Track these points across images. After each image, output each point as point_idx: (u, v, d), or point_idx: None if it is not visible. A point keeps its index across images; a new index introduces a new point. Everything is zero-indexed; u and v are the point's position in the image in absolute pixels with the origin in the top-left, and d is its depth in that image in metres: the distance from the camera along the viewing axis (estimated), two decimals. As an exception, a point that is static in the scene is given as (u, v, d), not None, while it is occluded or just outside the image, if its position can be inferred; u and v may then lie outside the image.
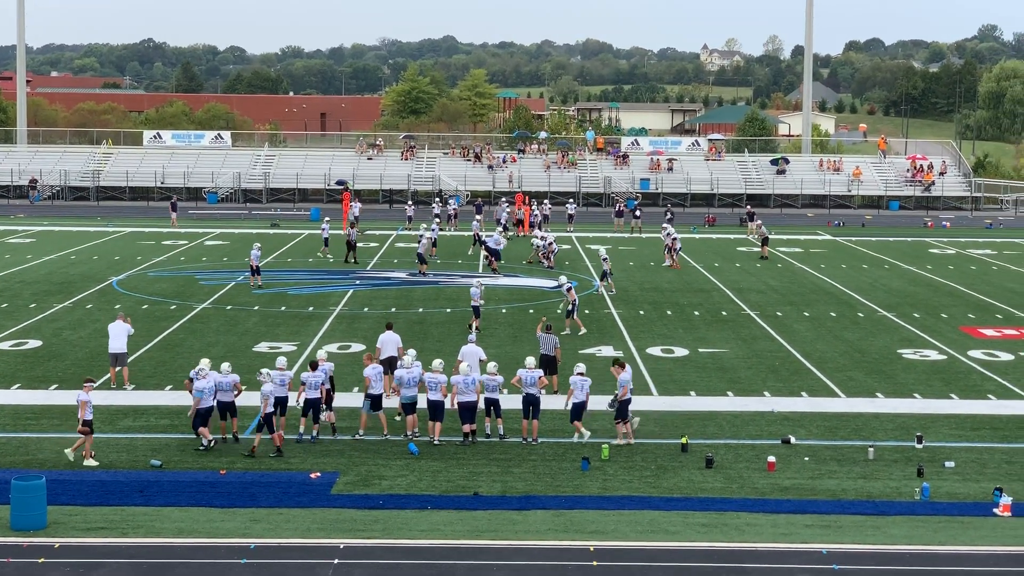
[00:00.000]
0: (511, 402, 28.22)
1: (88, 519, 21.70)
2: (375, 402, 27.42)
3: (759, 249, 61.11)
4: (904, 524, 22.02)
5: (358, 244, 57.67)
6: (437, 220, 65.64)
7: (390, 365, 30.15)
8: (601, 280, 43.75)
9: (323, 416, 27.10)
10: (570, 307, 39.50)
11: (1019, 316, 44.25)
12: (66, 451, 25.26)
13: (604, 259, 48.15)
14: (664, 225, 60.92)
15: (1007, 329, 41.64)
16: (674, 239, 56.77)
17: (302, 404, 26.90)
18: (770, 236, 61.91)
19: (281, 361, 27.21)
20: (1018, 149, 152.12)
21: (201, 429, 26.01)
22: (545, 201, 76.73)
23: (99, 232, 68.07)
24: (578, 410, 27.06)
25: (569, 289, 40.01)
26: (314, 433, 26.90)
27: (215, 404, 26.43)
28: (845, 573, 19.64)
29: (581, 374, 27.30)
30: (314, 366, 27.43)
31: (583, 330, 39.34)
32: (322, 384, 26.91)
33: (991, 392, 32.42)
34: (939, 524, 22.05)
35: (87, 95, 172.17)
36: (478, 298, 39.42)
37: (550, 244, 55.86)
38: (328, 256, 58.08)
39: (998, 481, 24.38)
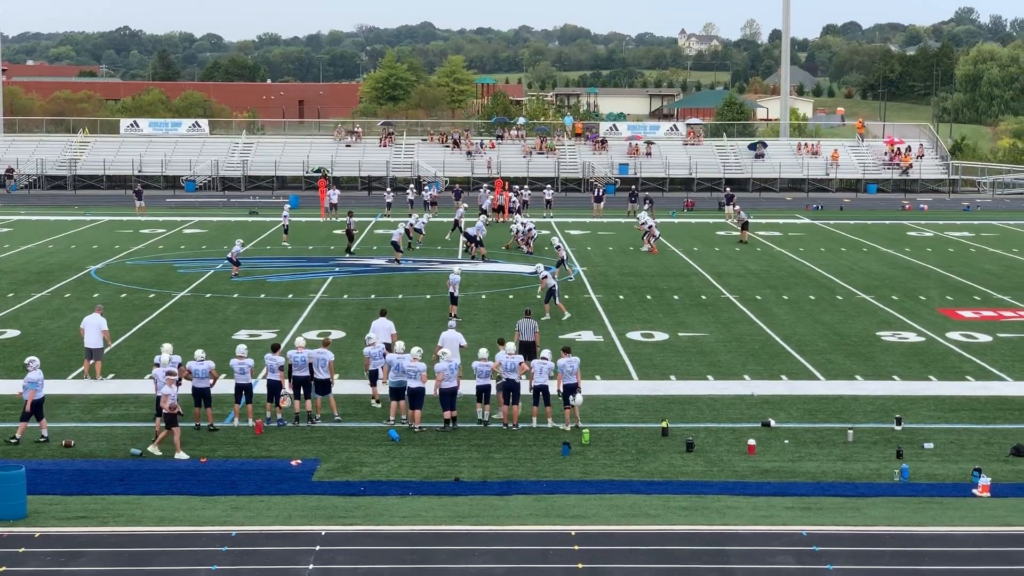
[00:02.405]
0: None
1: (68, 508, 21.64)
2: (319, 386, 27.44)
3: (738, 233, 61.15)
4: (884, 505, 22.11)
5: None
6: (428, 213, 65.60)
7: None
8: (557, 267, 44.19)
9: (281, 400, 27.15)
10: (548, 293, 39.49)
11: (997, 298, 44.46)
12: (149, 448, 25.02)
13: (557, 247, 48.00)
14: (638, 215, 61.07)
15: (985, 311, 41.82)
16: (651, 226, 56.72)
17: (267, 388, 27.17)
18: (749, 220, 61.96)
19: (241, 349, 27.29)
20: (995, 132, 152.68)
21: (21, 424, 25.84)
22: (525, 187, 76.81)
23: (77, 221, 67.81)
24: (537, 392, 27.19)
25: (544, 276, 40.02)
26: (279, 417, 27.03)
27: (197, 390, 26.55)
28: (825, 554, 19.72)
29: (544, 358, 27.37)
30: (275, 348, 27.69)
31: (566, 315, 39.34)
32: (280, 368, 27.03)
33: (969, 373, 32.57)
34: (918, 505, 22.15)
35: (63, 84, 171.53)
36: (456, 286, 39.36)
37: (529, 230, 55.85)
38: (286, 244, 57.76)
39: (976, 462, 24.48)
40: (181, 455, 24.65)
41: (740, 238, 60.04)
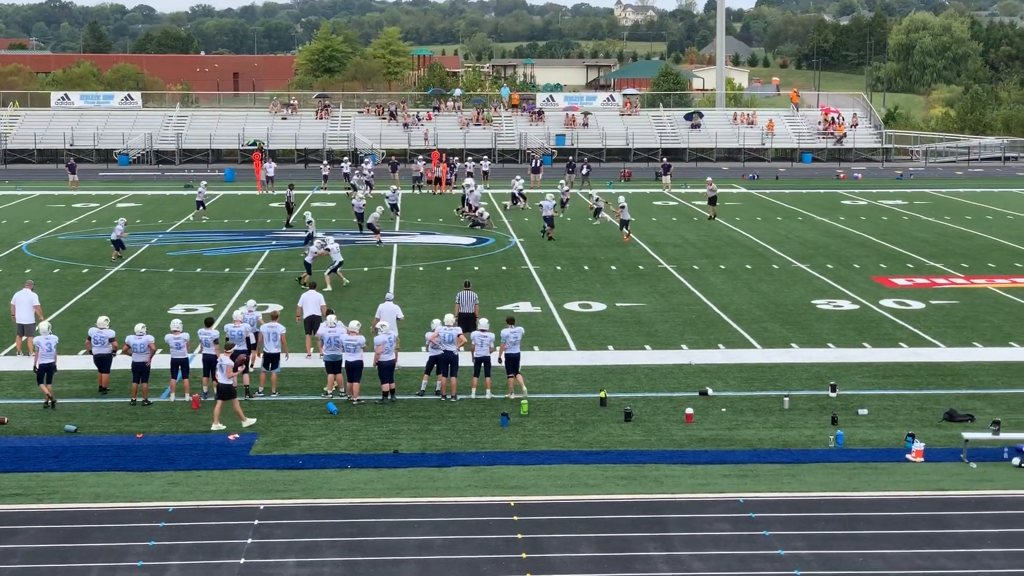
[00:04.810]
0: (421, 359, 28.17)
1: (2, 486, 21.39)
2: (269, 359, 27.42)
3: (711, 208, 57.92)
4: (819, 471, 22.35)
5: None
6: (366, 189, 65.08)
7: (312, 325, 30.11)
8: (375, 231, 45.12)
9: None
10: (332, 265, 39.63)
11: (929, 265, 44.95)
12: (213, 427, 24.84)
13: (371, 223, 47.96)
14: (591, 193, 60.56)
15: (918, 278, 42.28)
16: (622, 206, 54.62)
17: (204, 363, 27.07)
18: (717, 193, 58.86)
19: (176, 323, 27.07)
20: (927, 101, 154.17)
21: None
22: (469, 158, 76.74)
23: (7, 196, 66.84)
24: (478, 363, 27.28)
25: (328, 249, 39.70)
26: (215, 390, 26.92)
27: (136, 365, 26.44)
28: (762, 520, 19.90)
29: (483, 330, 27.34)
30: (209, 323, 27.80)
31: (329, 287, 38.55)
32: (214, 342, 26.93)
33: (903, 340, 32.93)
34: (853, 470, 22.41)
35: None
36: (314, 252, 39.56)
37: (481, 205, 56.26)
38: (204, 218, 57.09)
39: (910, 427, 24.80)
40: (218, 426, 24.66)
41: (710, 214, 57.55)
